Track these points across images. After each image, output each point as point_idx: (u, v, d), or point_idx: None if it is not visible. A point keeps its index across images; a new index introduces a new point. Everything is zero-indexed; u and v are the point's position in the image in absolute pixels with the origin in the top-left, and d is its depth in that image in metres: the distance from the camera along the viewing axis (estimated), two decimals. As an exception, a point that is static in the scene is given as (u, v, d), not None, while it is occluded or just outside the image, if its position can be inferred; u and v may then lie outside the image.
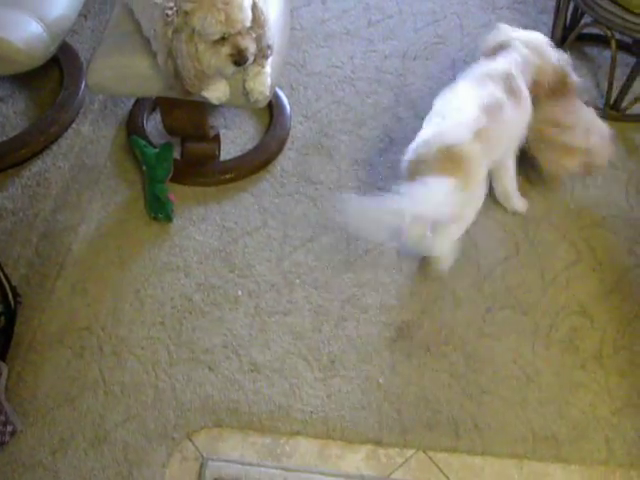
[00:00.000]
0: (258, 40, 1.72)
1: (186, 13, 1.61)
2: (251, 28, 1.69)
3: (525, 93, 1.95)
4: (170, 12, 1.62)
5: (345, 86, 2.49)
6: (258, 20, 1.71)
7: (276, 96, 2.34)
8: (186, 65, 1.67)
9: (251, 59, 1.71)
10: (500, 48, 2.05)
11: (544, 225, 2.14)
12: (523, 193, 2.15)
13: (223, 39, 1.65)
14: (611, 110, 2.46)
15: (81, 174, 2.20)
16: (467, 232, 2.07)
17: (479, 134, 1.79)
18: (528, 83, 1.98)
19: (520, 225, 2.13)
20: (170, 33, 1.64)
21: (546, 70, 2.02)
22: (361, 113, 2.40)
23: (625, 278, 2.04)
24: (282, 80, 2.44)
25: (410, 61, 2.61)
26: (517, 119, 1.94)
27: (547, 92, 2.04)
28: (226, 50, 1.66)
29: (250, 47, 1.69)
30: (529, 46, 2.03)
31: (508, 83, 1.91)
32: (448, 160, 1.75)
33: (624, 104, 2.44)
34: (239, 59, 1.68)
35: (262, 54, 1.76)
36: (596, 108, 2.47)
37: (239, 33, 1.65)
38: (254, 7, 1.69)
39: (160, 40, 1.68)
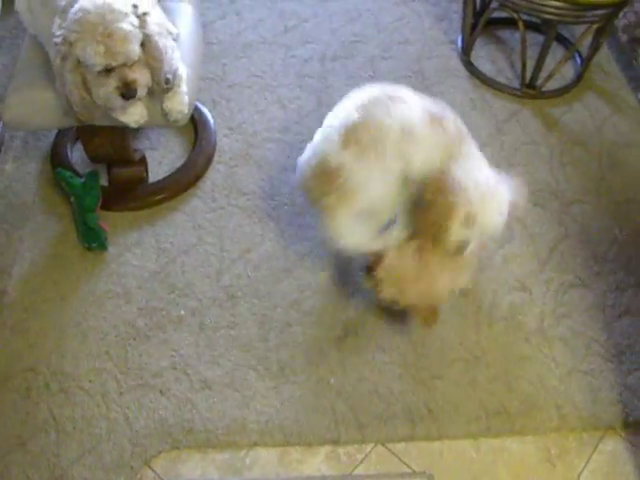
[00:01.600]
0: (155, 74, 1.69)
1: (70, 43, 1.60)
2: (144, 60, 1.67)
3: None
4: (57, 40, 1.61)
5: (267, 94, 2.50)
6: (152, 54, 1.67)
7: (199, 112, 2.34)
8: (72, 93, 1.65)
9: (142, 92, 1.69)
10: None
11: (475, 207, 2.19)
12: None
13: (110, 70, 1.63)
14: (528, 89, 2.53)
15: (9, 213, 2.16)
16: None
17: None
18: None
19: (452, 210, 2.18)
20: (59, 61, 1.63)
21: None
22: (285, 120, 2.41)
23: (557, 249, 2.10)
24: (203, 95, 2.44)
25: (330, 62, 2.64)
26: None
27: None
28: (113, 82, 1.64)
29: (140, 79, 1.66)
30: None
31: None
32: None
33: (539, 82, 2.52)
34: (126, 92, 1.65)
35: (161, 88, 1.73)
36: (513, 88, 2.56)
37: (125, 65, 1.63)
38: (147, 40, 1.66)
39: (54, 68, 1.67)
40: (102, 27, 1.57)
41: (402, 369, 1.84)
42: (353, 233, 1.68)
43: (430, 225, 1.65)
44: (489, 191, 1.66)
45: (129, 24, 1.61)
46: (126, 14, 1.61)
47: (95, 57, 1.58)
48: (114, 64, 1.61)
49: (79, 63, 1.62)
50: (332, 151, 1.63)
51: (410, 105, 1.68)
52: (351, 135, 1.62)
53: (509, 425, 1.76)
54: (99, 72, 1.63)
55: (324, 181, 1.63)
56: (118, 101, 1.68)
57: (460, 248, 1.67)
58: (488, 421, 1.76)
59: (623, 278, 2.05)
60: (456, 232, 1.63)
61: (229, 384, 1.81)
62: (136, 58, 1.65)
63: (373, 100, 1.68)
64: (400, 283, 1.69)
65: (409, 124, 1.65)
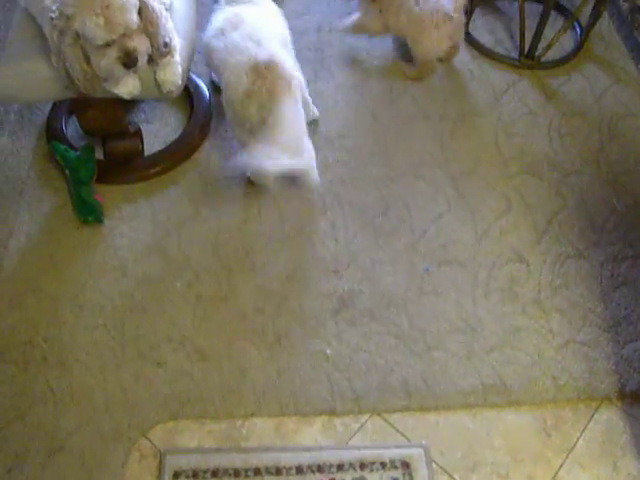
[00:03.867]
0: (154, 39, 1.68)
1: (68, 17, 1.58)
2: (142, 27, 1.66)
3: None
4: (54, 15, 1.59)
5: (263, 66, 2.47)
6: (150, 20, 1.67)
7: (194, 84, 2.32)
8: (74, 68, 1.64)
9: (142, 60, 1.68)
10: None
11: (473, 178, 2.18)
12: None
13: (110, 42, 1.61)
14: (526, 59, 2.51)
15: (5, 187, 2.15)
16: (398, 194, 2.11)
17: None
18: None
19: (450, 181, 2.17)
20: (56, 36, 1.61)
21: None
22: (282, 91, 2.39)
23: (555, 220, 2.09)
24: (198, 68, 2.41)
25: (326, 34, 2.61)
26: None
27: None
28: (114, 52, 1.63)
29: (140, 47, 1.65)
30: None
31: None
32: None
33: (538, 52, 2.49)
34: (128, 61, 1.64)
35: (159, 53, 1.72)
36: (511, 59, 2.53)
37: (125, 35, 1.62)
38: (144, 7, 1.65)
39: (50, 43, 1.65)
40: None
41: (398, 340, 1.84)
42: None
43: None
44: None
45: None
46: None
47: (95, 30, 1.57)
48: (114, 36, 1.60)
49: (78, 37, 1.61)
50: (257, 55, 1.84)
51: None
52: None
53: (505, 396, 1.76)
54: (99, 44, 1.61)
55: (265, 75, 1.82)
56: (120, 71, 1.68)
57: None
58: (484, 392, 1.76)
59: (621, 249, 2.04)
60: None
61: (225, 355, 1.81)
62: (135, 27, 1.64)
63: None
64: None
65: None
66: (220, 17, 1.98)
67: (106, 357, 1.82)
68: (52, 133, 2.24)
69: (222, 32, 1.92)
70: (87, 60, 1.65)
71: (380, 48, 2.57)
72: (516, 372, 1.80)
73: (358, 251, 2.00)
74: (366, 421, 1.72)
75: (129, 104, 2.12)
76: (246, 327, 1.86)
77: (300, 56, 2.48)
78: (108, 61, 1.64)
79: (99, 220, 2.04)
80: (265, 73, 1.80)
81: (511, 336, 1.86)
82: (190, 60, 1.93)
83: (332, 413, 1.73)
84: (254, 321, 1.87)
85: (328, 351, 1.82)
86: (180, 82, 1.81)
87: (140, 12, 1.66)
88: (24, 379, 1.79)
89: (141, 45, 1.67)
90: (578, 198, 2.14)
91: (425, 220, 2.07)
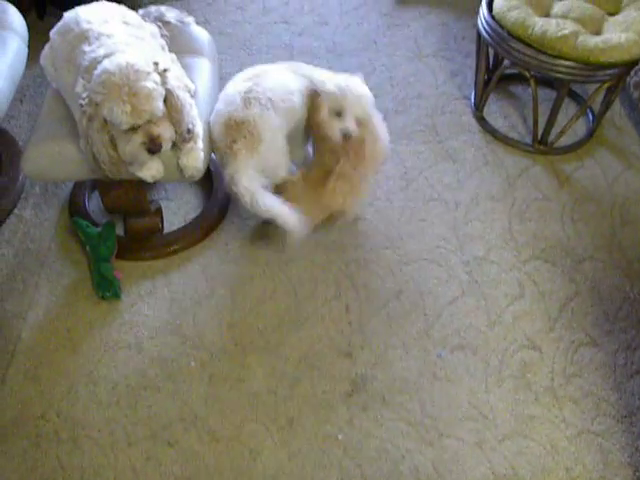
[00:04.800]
0: (177, 126, 1.75)
1: (96, 104, 1.65)
2: (167, 115, 1.72)
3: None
4: (83, 102, 1.66)
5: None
6: (174, 107, 1.74)
7: (214, 163, 2.38)
8: (101, 153, 1.70)
9: (167, 146, 1.74)
10: None
11: (486, 263, 2.20)
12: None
13: (136, 127, 1.68)
14: (539, 144, 2.56)
15: (26, 259, 2.20)
16: (411, 278, 2.13)
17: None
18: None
19: (463, 266, 2.19)
20: (85, 122, 1.68)
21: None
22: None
23: (568, 307, 2.10)
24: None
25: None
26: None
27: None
28: (139, 138, 1.69)
29: (165, 134, 1.72)
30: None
31: None
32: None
33: (551, 138, 2.55)
34: (152, 147, 1.70)
35: (182, 139, 1.79)
36: (525, 144, 2.58)
37: (150, 121, 1.69)
38: (169, 95, 1.72)
39: (79, 127, 1.72)
40: (127, 87, 1.62)
41: (410, 427, 1.83)
42: (251, 178, 1.95)
43: (312, 126, 2.08)
44: (346, 87, 2.05)
45: (152, 82, 1.67)
46: (148, 73, 1.67)
47: (122, 116, 1.63)
48: (140, 122, 1.66)
49: (106, 123, 1.67)
50: (236, 111, 1.94)
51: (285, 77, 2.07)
52: (251, 97, 1.96)
53: (518, 487, 1.74)
54: (127, 130, 1.68)
55: (233, 131, 1.93)
56: (145, 156, 1.74)
57: (347, 136, 2.02)
58: (496, 482, 1.74)
59: (634, 337, 2.03)
60: (331, 123, 2.02)
61: (237, 437, 1.81)
62: (160, 114, 1.70)
63: (258, 73, 2.05)
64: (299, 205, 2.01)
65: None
66: None
67: (118, 435, 1.82)
68: (74, 208, 2.30)
69: None
70: (113, 146, 1.72)
71: (401, 123, 2.64)
72: (529, 462, 1.78)
73: (371, 335, 2.02)
74: (376, 510, 1.71)
75: (151, 184, 2.18)
76: (258, 409, 1.86)
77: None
78: (133, 146, 1.70)
79: (117, 296, 2.08)
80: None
81: (524, 425, 1.85)
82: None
83: (342, 501, 1.72)
84: (266, 403, 1.87)
85: (340, 436, 1.81)
86: (202, 167, 1.87)
87: (166, 100, 1.73)
88: (35, 454, 1.80)
89: (165, 132, 1.73)
90: (591, 285, 2.16)
91: (438, 305, 2.09)
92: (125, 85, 1.62)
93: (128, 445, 1.80)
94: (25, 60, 2.24)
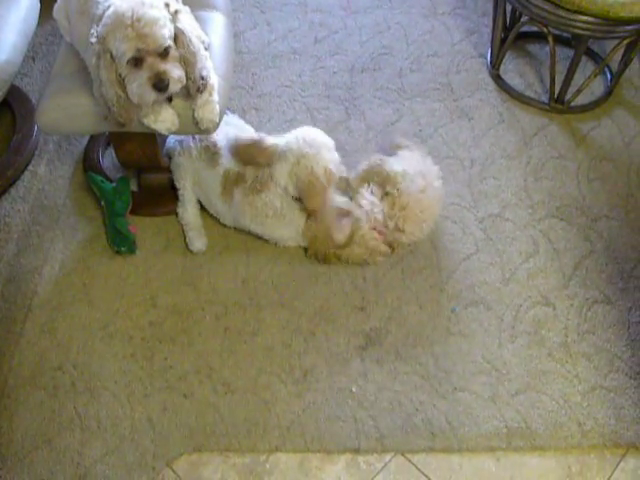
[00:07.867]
0: (190, 69, 1.72)
1: (103, 38, 1.63)
2: (177, 57, 1.69)
3: None
4: (93, 40, 1.64)
5: (296, 104, 2.53)
6: (187, 48, 1.70)
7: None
8: (109, 92, 1.68)
9: (174, 87, 1.69)
10: None
11: (500, 221, 2.19)
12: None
13: (141, 62, 1.65)
14: (556, 103, 2.53)
15: (41, 215, 2.21)
16: (426, 235, 2.12)
17: None
18: None
19: (478, 223, 2.18)
20: (95, 60, 1.66)
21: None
22: (313, 129, 2.43)
23: (582, 265, 2.09)
24: (233, 104, 2.48)
25: (358, 74, 2.66)
26: None
27: None
28: (144, 74, 1.65)
29: (172, 72, 1.67)
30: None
31: None
32: None
33: (568, 96, 2.52)
34: (158, 82, 1.66)
35: (196, 87, 1.76)
36: (541, 103, 2.56)
37: (158, 56, 1.65)
38: (180, 34, 1.69)
39: (91, 70, 1.70)
40: (131, 13, 1.60)
41: (423, 380, 1.84)
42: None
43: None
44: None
45: (158, 12, 1.64)
46: (157, 7, 1.64)
47: (125, 43, 1.60)
48: (144, 47, 1.62)
49: (112, 59, 1.65)
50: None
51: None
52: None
53: (530, 440, 1.75)
54: (130, 63, 1.64)
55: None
56: (151, 94, 1.68)
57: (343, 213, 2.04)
58: (509, 436, 1.75)
59: (649, 295, 2.04)
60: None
61: (251, 389, 1.83)
62: (166, 44, 1.65)
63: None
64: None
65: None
66: None
67: (134, 386, 1.84)
68: (89, 164, 2.30)
69: None
70: (122, 85, 1.69)
71: (415, 82, 2.61)
72: (541, 416, 1.79)
73: (385, 290, 2.02)
74: (390, 460, 1.72)
75: (165, 138, 2.17)
76: (273, 361, 1.88)
77: (333, 94, 2.56)
78: (139, 83, 1.66)
79: (132, 251, 2.08)
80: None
81: (537, 380, 1.86)
82: (227, 99, 1.98)
83: (356, 451, 1.73)
84: (281, 356, 1.89)
85: (354, 389, 1.83)
86: (217, 120, 1.85)
87: (177, 40, 1.70)
88: (52, 405, 1.82)
89: (173, 70, 1.68)
90: (606, 243, 2.15)
91: (452, 261, 2.09)
92: (129, 12, 1.60)
93: (144, 396, 1.83)
94: (38, 14, 2.23)
